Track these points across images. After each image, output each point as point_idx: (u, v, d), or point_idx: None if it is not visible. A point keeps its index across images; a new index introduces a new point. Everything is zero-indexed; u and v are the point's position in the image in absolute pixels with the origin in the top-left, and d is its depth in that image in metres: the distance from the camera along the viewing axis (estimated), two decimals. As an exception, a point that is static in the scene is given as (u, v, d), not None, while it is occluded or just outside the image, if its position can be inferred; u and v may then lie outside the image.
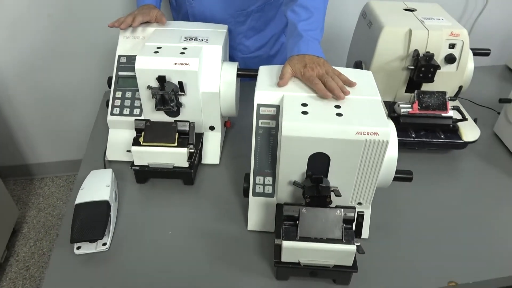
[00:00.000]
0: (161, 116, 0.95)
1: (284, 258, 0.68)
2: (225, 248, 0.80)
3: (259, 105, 0.78)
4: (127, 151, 0.90)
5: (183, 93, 0.90)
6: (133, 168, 0.89)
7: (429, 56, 0.98)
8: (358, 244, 0.67)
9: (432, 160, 1.03)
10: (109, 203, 0.81)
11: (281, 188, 0.78)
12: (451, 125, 1.00)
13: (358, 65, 1.12)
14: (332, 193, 0.71)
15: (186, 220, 0.86)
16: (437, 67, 0.98)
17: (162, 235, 0.82)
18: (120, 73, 1.00)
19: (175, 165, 0.89)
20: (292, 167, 0.74)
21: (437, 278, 0.75)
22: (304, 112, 0.72)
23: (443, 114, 0.99)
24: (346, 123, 0.69)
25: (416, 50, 1.00)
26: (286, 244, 0.66)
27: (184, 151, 0.86)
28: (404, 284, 0.75)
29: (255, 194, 0.81)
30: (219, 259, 0.78)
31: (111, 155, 1.00)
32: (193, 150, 0.88)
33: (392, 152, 0.75)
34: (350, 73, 0.84)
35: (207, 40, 0.97)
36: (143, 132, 0.88)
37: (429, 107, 0.99)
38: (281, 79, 0.80)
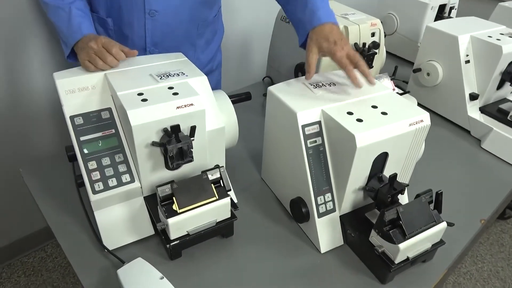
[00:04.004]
0: (161, 175, 0.79)
1: (398, 260, 0.70)
2: (320, 281, 0.75)
3: (303, 126, 0.75)
4: (157, 228, 0.71)
5: (193, 138, 0.77)
6: (171, 244, 0.72)
7: (369, 47, 1.12)
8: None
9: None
10: (181, 296, 0.64)
11: (347, 198, 0.78)
12: (398, 100, 1.18)
13: (301, 67, 1.17)
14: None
15: (255, 273, 0.75)
16: (375, 53, 1.13)
17: (247, 302, 0.71)
18: (82, 138, 0.77)
19: (217, 220, 0.76)
20: (360, 174, 0.75)
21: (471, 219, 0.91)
22: (359, 120, 0.73)
23: (392, 92, 1.15)
24: (397, 119, 0.74)
25: (356, 43, 1.13)
26: (402, 246, 0.68)
27: (227, 200, 0.75)
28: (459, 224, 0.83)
29: (321, 215, 0.78)
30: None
31: (110, 243, 0.77)
32: (229, 195, 0.77)
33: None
34: (332, 76, 0.89)
35: (183, 73, 0.85)
36: (173, 198, 0.71)
37: (381, 89, 1.14)
38: (309, 71, 0.80)
